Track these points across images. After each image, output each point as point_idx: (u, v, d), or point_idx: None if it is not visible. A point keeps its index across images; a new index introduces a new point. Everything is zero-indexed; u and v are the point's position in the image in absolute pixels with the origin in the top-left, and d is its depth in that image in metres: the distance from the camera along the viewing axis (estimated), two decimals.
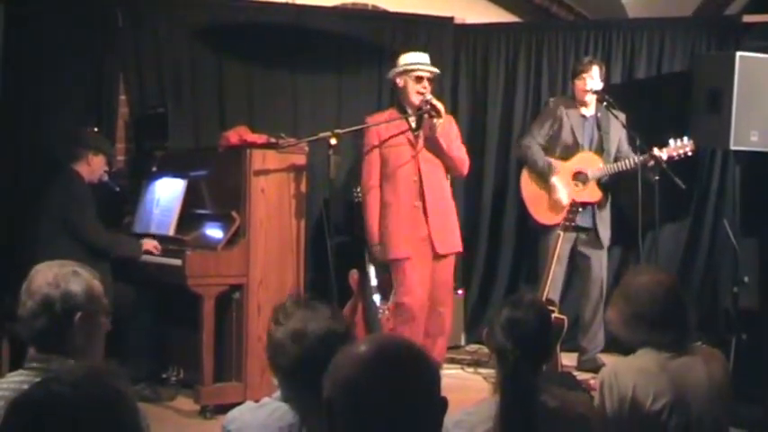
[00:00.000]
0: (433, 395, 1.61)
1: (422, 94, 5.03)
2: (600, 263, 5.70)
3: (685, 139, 5.48)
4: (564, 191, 5.54)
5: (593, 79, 5.58)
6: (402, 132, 5.09)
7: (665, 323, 2.68)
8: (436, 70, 5.19)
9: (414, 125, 5.11)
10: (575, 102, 5.70)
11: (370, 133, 5.15)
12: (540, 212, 5.65)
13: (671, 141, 5.46)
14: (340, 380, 1.59)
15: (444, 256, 5.14)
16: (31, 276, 2.40)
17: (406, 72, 5.10)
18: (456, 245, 5.23)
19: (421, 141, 5.08)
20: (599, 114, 5.65)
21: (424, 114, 5.03)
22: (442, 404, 1.62)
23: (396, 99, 5.36)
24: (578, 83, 5.63)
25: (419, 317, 5.05)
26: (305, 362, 2.20)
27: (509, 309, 2.51)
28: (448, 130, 5.12)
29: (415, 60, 5.15)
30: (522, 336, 2.44)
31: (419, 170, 5.07)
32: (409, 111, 5.12)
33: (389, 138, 5.09)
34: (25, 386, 1.87)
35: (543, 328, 2.55)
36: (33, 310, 2.35)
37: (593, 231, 5.67)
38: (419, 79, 5.07)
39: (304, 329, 2.23)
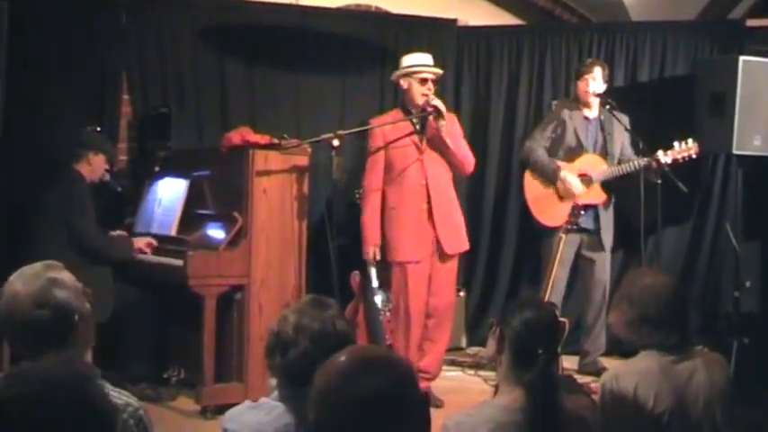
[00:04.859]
0: (413, 398, 1.64)
1: (426, 95, 4.96)
2: (603, 266, 5.68)
3: (690, 141, 5.43)
4: (578, 181, 5.53)
5: (595, 80, 5.56)
6: (407, 135, 5.01)
7: (671, 324, 2.68)
8: (440, 71, 5.14)
9: (418, 127, 5.03)
10: (578, 104, 5.70)
11: (376, 135, 5.07)
12: (544, 214, 5.63)
13: (675, 144, 5.42)
14: (319, 394, 1.63)
15: (451, 257, 5.06)
16: (11, 293, 2.24)
17: (409, 74, 5.03)
18: (463, 244, 5.18)
19: (426, 143, 5.00)
20: (602, 117, 5.63)
21: (428, 116, 4.97)
22: (423, 401, 1.67)
23: (400, 100, 5.32)
24: (581, 84, 5.62)
25: (418, 322, 5.01)
26: (299, 359, 2.24)
27: (527, 310, 2.48)
28: (451, 129, 5.04)
29: (419, 62, 5.08)
30: (542, 336, 2.45)
31: (425, 173, 4.98)
32: (414, 112, 5.04)
33: (395, 140, 5.01)
34: None
35: (556, 328, 2.59)
36: (26, 323, 2.22)
37: (595, 234, 5.65)
38: (423, 81, 4.99)
39: (301, 324, 2.28)
